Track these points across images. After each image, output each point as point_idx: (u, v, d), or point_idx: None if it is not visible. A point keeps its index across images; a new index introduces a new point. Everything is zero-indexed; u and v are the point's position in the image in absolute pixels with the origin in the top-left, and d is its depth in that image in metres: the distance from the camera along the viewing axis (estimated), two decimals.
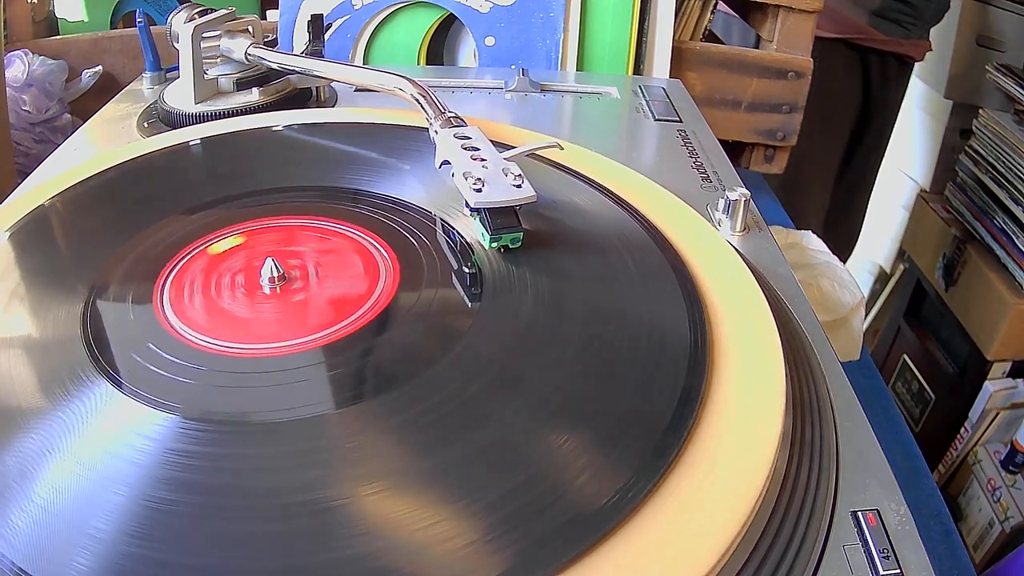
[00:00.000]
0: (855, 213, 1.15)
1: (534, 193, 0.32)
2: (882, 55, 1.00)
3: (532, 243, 0.32)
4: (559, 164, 0.39)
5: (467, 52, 0.66)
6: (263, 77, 0.49)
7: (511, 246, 0.32)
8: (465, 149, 0.35)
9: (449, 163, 0.35)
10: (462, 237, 0.33)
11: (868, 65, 1.01)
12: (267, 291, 0.30)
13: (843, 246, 1.14)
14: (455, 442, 0.23)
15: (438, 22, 0.62)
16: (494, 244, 0.32)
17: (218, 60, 0.49)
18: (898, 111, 1.09)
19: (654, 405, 0.25)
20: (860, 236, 1.19)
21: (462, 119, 0.38)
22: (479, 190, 0.32)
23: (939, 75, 1.13)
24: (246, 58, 0.48)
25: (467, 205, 0.32)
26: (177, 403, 0.25)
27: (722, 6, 0.77)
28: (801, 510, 0.24)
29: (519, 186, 0.33)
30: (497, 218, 0.32)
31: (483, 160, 0.34)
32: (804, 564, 0.22)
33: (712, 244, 0.34)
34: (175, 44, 0.47)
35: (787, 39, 0.68)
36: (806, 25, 0.68)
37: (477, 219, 0.33)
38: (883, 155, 1.12)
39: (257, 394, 0.26)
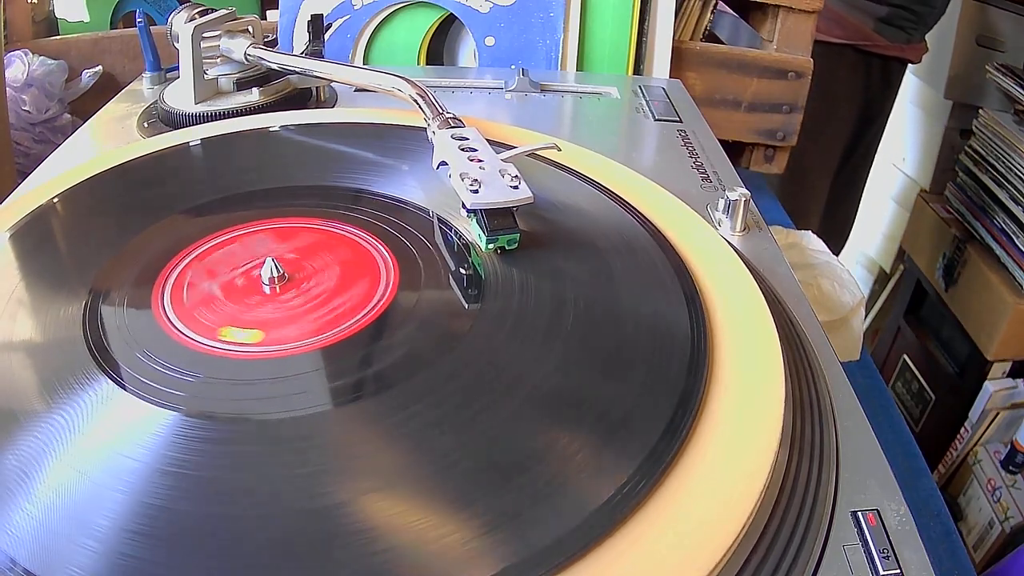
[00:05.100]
0: (849, 204, 1.16)
1: (531, 194, 0.32)
2: (884, 59, 1.02)
3: (533, 243, 0.32)
4: (559, 164, 0.39)
5: (467, 52, 0.66)
6: (263, 77, 0.49)
7: (507, 247, 0.32)
8: (462, 150, 0.35)
9: (446, 164, 0.35)
10: (461, 238, 0.33)
11: (870, 68, 1.02)
12: (267, 291, 0.30)
13: (837, 236, 1.15)
14: (454, 441, 0.23)
15: (438, 22, 0.62)
16: (490, 246, 0.32)
17: (218, 60, 0.49)
18: (892, 109, 1.10)
19: (654, 405, 0.25)
20: (860, 235, 1.20)
21: (460, 120, 0.38)
22: (476, 191, 0.32)
23: (939, 75, 1.13)
24: (246, 58, 0.48)
25: (463, 206, 0.32)
26: (178, 402, 0.25)
27: (722, 6, 0.77)
28: (801, 510, 0.24)
29: (516, 187, 0.33)
30: (494, 219, 0.32)
31: (480, 161, 0.34)
32: (804, 564, 0.22)
33: (712, 244, 0.34)
34: (175, 44, 0.47)
35: (787, 39, 0.68)
36: (806, 25, 0.68)
37: (473, 220, 0.33)
38: (877, 150, 1.13)
39: (257, 394, 0.26)
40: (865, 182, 1.16)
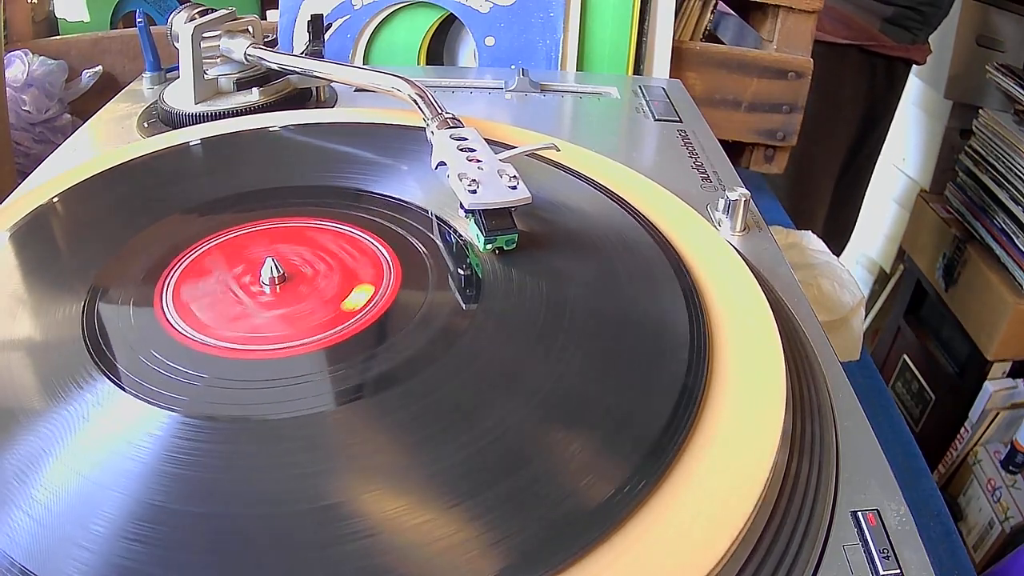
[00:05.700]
0: (852, 206, 1.16)
1: (529, 195, 0.32)
2: (889, 59, 1.02)
3: (532, 244, 0.32)
4: (559, 164, 0.39)
5: (467, 52, 0.66)
6: (263, 77, 0.49)
7: (505, 248, 0.32)
8: (461, 150, 0.35)
9: (445, 164, 0.35)
10: (461, 238, 0.33)
11: (875, 69, 1.02)
12: (267, 291, 0.30)
13: (839, 237, 1.15)
14: (455, 441, 0.23)
15: (438, 22, 0.62)
16: (488, 246, 0.32)
17: (218, 60, 0.49)
18: (896, 111, 1.11)
19: (654, 405, 0.25)
20: (860, 236, 1.20)
21: (459, 120, 0.38)
22: (474, 191, 0.32)
23: (939, 75, 1.13)
24: (246, 58, 0.48)
25: (461, 207, 0.32)
26: (178, 402, 0.25)
27: (722, 6, 0.77)
28: (801, 510, 0.24)
29: (514, 187, 0.33)
30: (492, 220, 0.32)
31: (479, 161, 0.34)
32: (804, 564, 0.22)
33: (712, 244, 0.34)
34: (175, 44, 0.47)
35: (787, 39, 0.68)
36: (806, 25, 0.68)
37: (472, 220, 0.32)
38: (880, 151, 1.13)
39: (257, 394, 0.26)
40: (868, 184, 1.16)
